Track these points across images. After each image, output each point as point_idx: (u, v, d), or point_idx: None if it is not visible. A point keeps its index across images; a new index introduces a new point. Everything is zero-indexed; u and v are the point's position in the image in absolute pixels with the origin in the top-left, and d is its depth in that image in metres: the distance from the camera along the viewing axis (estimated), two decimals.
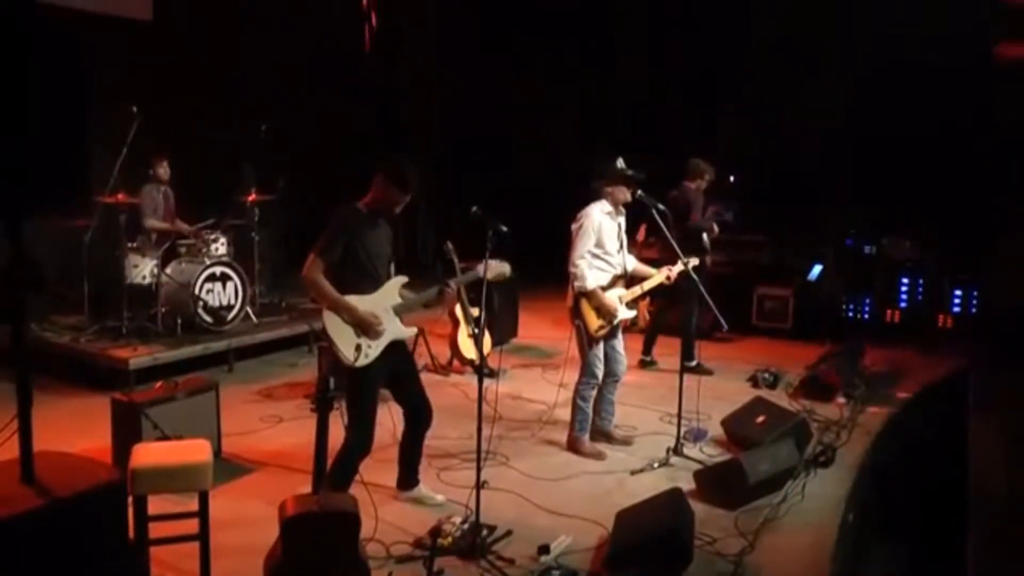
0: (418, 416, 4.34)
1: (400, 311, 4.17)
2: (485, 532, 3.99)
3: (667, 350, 7.39)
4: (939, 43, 8.50)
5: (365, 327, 3.97)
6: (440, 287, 4.32)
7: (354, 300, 3.98)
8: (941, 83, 8.60)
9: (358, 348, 3.96)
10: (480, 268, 4.32)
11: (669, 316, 7.34)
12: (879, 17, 9.12)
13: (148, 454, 3.59)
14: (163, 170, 7.31)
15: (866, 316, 8.82)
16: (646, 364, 7.33)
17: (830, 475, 4.96)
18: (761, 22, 9.79)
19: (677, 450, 5.18)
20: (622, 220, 5.22)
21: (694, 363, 6.94)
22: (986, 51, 8.39)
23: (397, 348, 4.19)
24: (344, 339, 3.95)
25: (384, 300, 4.10)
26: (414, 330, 4.30)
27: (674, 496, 4.16)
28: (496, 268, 4.40)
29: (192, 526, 3.52)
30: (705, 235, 7.06)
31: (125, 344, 6.50)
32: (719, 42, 10.03)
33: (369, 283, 4.06)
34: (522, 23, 11.18)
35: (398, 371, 4.25)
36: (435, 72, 11.99)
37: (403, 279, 4.22)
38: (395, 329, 4.13)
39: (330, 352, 4.08)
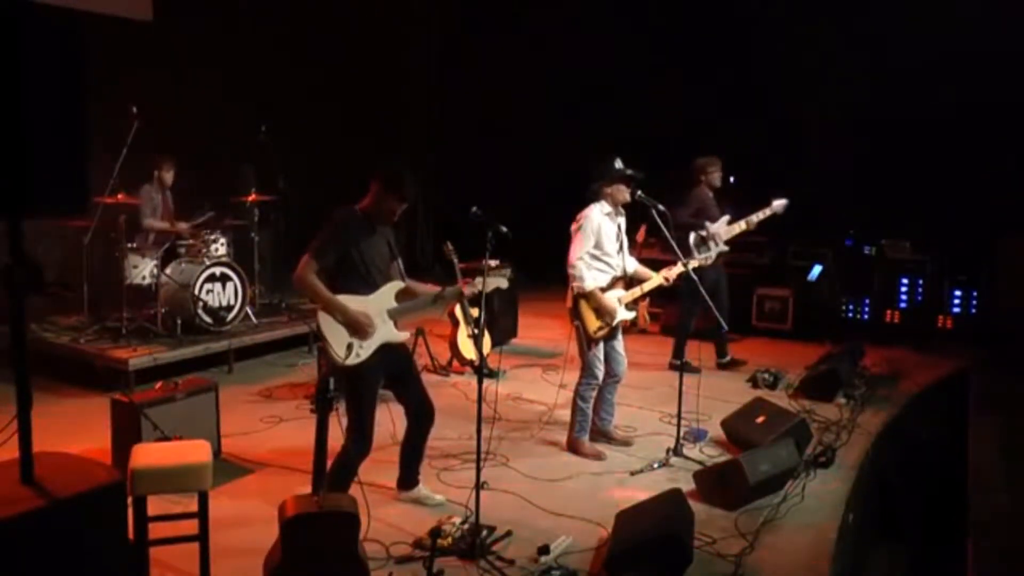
0: (420, 416, 4.34)
1: (395, 315, 4.16)
2: (485, 532, 3.99)
3: (665, 349, 7.40)
4: (940, 43, 8.50)
5: (355, 327, 3.97)
6: (436, 295, 4.33)
7: (346, 300, 3.98)
8: (941, 83, 8.60)
9: (349, 347, 3.96)
10: (478, 280, 4.31)
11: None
12: (880, 17, 9.13)
13: (148, 455, 3.58)
14: (169, 175, 7.33)
15: (866, 317, 8.81)
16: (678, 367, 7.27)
17: (830, 475, 4.96)
18: (762, 23, 9.79)
19: (677, 451, 5.19)
20: (622, 221, 5.22)
21: (678, 362, 7.03)
22: (987, 49, 8.39)
23: (394, 349, 4.19)
24: (336, 338, 3.95)
25: (379, 303, 4.10)
26: (406, 335, 4.28)
27: (674, 497, 4.16)
28: (493, 281, 4.39)
29: (192, 527, 3.52)
30: (693, 235, 6.96)
31: (125, 344, 6.50)
32: (718, 42, 10.03)
33: (364, 286, 4.06)
34: (523, 22, 11.17)
35: (398, 372, 4.25)
36: (435, 71, 12.00)
37: (400, 284, 4.21)
38: (387, 332, 4.12)
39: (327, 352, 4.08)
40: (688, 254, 6.82)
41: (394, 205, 4.08)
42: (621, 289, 5.19)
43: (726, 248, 7.01)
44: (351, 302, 3.98)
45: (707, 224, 6.98)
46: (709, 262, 6.94)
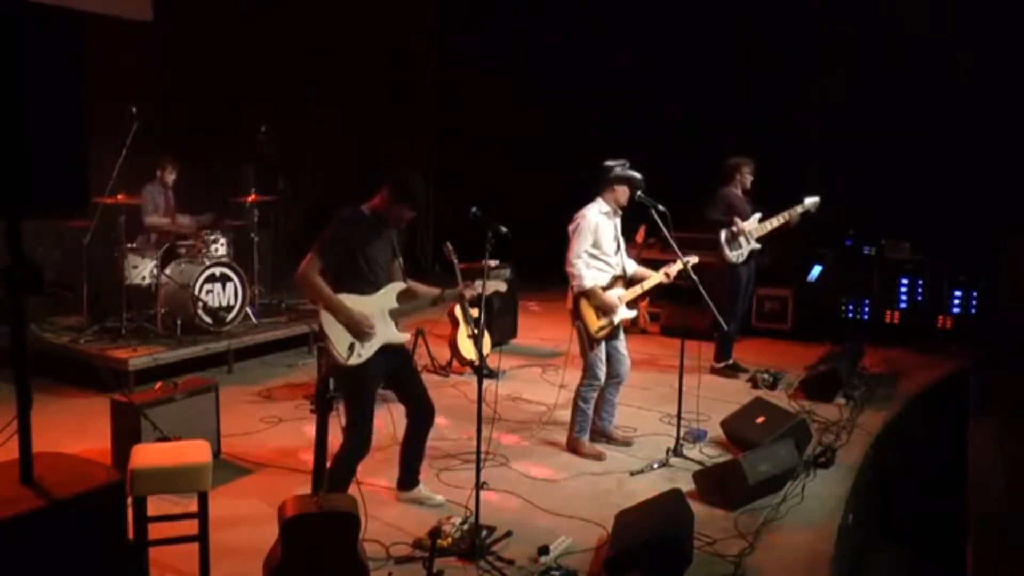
0: (420, 417, 4.33)
1: (396, 315, 4.16)
2: (485, 533, 3.98)
3: (666, 350, 7.39)
4: (941, 43, 8.49)
5: (354, 328, 3.97)
6: (436, 297, 4.33)
7: (348, 300, 3.98)
8: (941, 83, 8.60)
9: (351, 347, 3.96)
10: (478, 283, 4.31)
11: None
12: (881, 16, 9.13)
13: (147, 455, 3.58)
14: (171, 175, 7.33)
15: (865, 317, 8.81)
16: (730, 368, 7.26)
17: (830, 476, 4.96)
18: (761, 23, 9.79)
19: (677, 451, 5.19)
20: (618, 221, 5.22)
21: (723, 363, 7.22)
22: (987, 49, 8.38)
23: (395, 349, 4.18)
24: (338, 337, 3.95)
25: (380, 303, 4.09)
26: (406, 336, 4.28)
27: (674, 497, 4.16)
28: (492, 285, 4.39)
29: (191, 527, 3.51)
30: (724, 232, 6.90)
31: (125, 345, 6.50)
32: (717, 42, 10.03)
33: (366, 286, 4.06)
34: (523, 21, 11.17)
35: (398, 372, 4.25)
36: (435, 71, 12.00)
37: (402, 284, 4.20)
38: (388, 333, 4.11)
39: (328, 352, 4.08)
40: (719, 251, 6.85)
41: (403, 213, 4.08)
42: (621, 288, 5.19)
43: (758, 246, 6.98)
44: (353, 302, 3.98)
45: (737, 221, 6.90)
46: (741, 259, 6.93)
